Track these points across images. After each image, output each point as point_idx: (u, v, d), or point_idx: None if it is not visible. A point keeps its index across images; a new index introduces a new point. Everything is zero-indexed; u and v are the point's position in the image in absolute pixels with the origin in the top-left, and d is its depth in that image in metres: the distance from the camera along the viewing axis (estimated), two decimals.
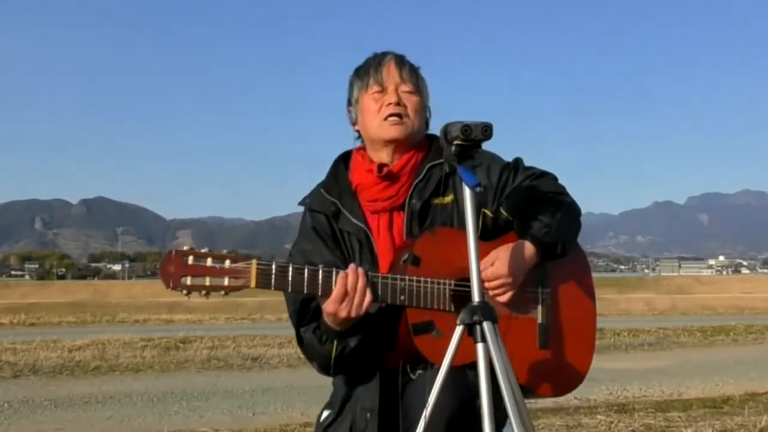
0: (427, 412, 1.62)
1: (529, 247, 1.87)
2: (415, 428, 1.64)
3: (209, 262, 1.68)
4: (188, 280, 1.66)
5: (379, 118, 1.96)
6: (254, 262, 1.69)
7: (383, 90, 1.97)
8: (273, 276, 1.70)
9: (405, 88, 1.98)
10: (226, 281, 1.68)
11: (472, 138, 1.69)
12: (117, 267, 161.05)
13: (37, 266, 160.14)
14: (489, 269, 1.83)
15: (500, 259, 1.84)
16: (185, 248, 1.69)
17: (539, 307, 1.93)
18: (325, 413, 1.97)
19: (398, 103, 1.95)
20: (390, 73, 1.98)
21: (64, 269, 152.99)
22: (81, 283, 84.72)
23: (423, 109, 2.01)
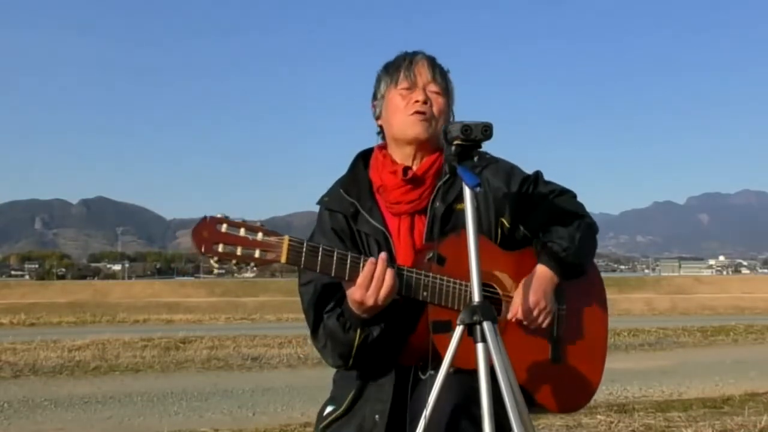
0: (427, 412, 1.62)
1: (547, 271, 1.90)
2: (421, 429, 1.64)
3: (242, 232, 1.67)
4: (220, 248, 1.65)
5: (404, 114, 1.95)
6: (287, 237, 1.69)
7: (412, 87, 1.96)
8: (304, 254, 1.69)
9: (433, 88, 1.97)
10: (257, 253, 1.67)
11: (472, 138, 1.69)
12: (117, 267, 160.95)
13: (37, 266, 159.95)
14: (521, 307, 1.86)
15: (524, 294, 1.87)
16: (219, 215, 1.67)
17: (554, 322, 1.94)
18: (329, 408, 1.96)
19: (425, 102, 1.95)
20: (421, 71, 1.98)
21: (64, 269, 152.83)
22: (81, 283, 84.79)
23: (448, 112, 2.00)
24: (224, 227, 1.66)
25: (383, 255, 1.76)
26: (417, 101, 1.94)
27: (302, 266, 1.71)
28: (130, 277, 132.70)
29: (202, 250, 1.64)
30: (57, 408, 6.29)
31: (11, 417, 5.93)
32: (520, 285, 1.89)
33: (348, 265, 1.74)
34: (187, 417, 5.91)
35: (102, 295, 53.54)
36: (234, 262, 1.66)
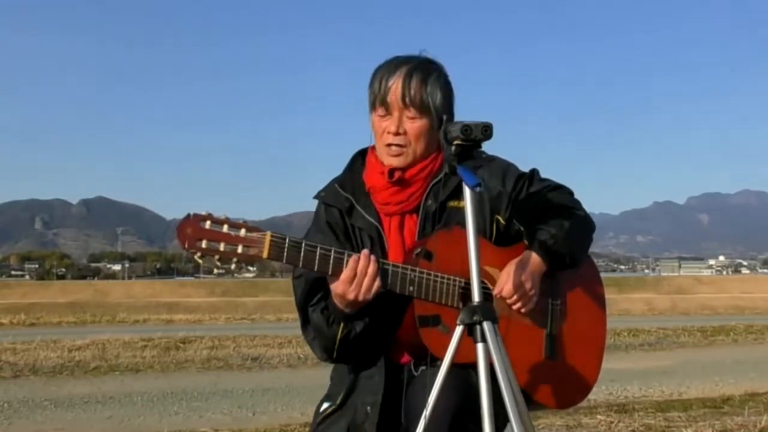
0: (427, 412, 1.63)
1: (535, 257, 1.89)
2: (417, 425, 1.64)
3: (225, 228, 1.70)
4: (203, 244, 1.69)
5: (381, 143, 1.96)
6: (269, 233, 1.72)
7: (386, 113, 1.95)
8: (286, 249, 1.72)
9: (409, 113, 1.93)
10: (239, 249, 1.70)
11: (472, 138, 1.69)
12: (117, 267, 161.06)
13: (37, 266, 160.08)
14: (506, 286, 1.86)
15: (513, 273, 1.86)
16: (203, 213, 1.71)
17: (548, 318, 1.95)
18: (325, 404, 1.98)
19: (397, 133, 1.93)
20: (395, 95, 1.92)
21: (64, 269, 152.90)
22: (81, 283, 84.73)
23: (429, 131, 1.94)
24: (208, 224, 1.70)
25: (366, 251, 1.78)
26: (389, 132, 1.93)
27: (284, 261, 1.73)
28: (130, 277, 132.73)
29: (186, 246, 1.68)
30: (57, 408, 6.29)
31: (11, 417, 5.94)
32: (509, 264, 1.89)
33: (331, 261, 1.76)
34: (187, 417, 5.91)
35: (102, 295, 53.48)
36: (217, 257, 1.70)
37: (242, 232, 1.71)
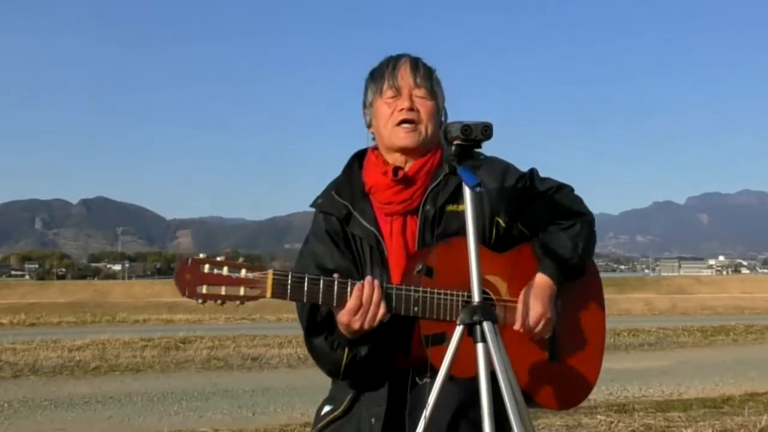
0: (427, 412, 1.62)
1: (548, 281, 1.89)
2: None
3: (225, 270, 1.66)
4: (204, 289, 1.65)
5: (391, 124, 1.94)
6: (270, 272, 1.68)
7: (397, 95, 1.95)
8: (289, 286, 1.69)
9: (419, 92, 1.95)
10: (241, 291, 1.66)
11: (472, 138, 1.68)
12: (117, 267, 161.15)
13: (37, 266, 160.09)
14: (530, 317, 1.85)
15: (533, 303, 1.86)
16: (201, 256, 1.67)
17: None
18: (327, 407, 1.96)
19: (411, 109, 1.93)
20: (404, 77, 1.95)
21: (64, 269, 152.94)
22: (81, 283, 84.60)
23: (437, 114, 1.98)
24: (206, 267, 1.66)
25: (369, 278, 1.75)
26: (402, 109, 1.93)
27: (288, 299, 1.70)
28: (130, 277, 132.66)
29: (186, 293, 1.64)
30: (57, 408, 6.29)
31: (11, 417, 5.93)
32: (522, 295, 1.87)
33: (335, 292, 1.73)
34: (187, 417, 5.91)
35: (102, 295, 53.44)
36: (219, 302, 1.66)
37: (243, 272, 1.67)
